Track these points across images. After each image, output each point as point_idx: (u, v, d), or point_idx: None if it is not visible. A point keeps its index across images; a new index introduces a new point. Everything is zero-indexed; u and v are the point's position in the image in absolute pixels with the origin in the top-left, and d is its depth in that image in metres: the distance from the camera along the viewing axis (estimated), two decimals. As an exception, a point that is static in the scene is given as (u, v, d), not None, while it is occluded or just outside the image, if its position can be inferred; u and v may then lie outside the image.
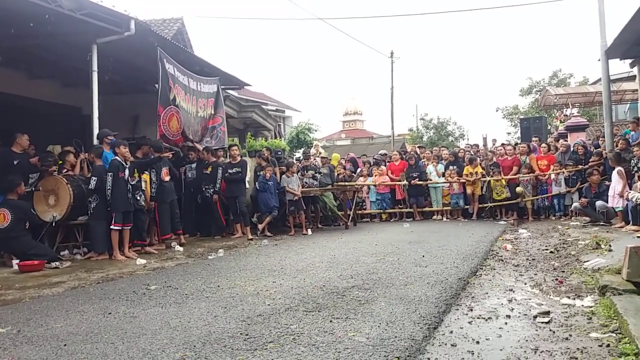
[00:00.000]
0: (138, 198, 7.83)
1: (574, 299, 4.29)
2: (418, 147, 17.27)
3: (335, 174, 12.69)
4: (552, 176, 11.94)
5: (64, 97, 11.16)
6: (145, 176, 8.48)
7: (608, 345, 3.11)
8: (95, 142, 8.12)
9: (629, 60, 12.81)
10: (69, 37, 8.22)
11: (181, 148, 10.56)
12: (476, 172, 12.60)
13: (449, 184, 12.88)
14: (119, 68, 9.84)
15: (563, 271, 5.61)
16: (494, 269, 5.87)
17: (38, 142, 8.69)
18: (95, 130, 8.17)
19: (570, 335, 3.35)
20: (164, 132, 9.23)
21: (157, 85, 9.33)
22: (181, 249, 8.35)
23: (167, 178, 8.79)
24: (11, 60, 9.14)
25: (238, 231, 10.05)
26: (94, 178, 7.54)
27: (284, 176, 10.99)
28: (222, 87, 11.81)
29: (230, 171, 9.98)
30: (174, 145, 9.88)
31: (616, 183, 9.20)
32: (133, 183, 7.75)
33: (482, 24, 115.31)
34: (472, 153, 13.78)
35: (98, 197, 7.55)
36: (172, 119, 9.33)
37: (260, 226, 10.33)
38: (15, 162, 7.67)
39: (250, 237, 9.75)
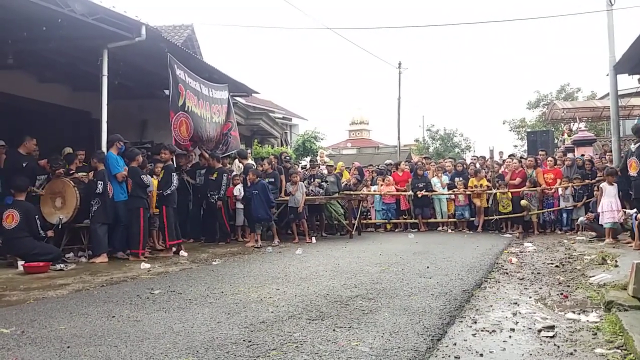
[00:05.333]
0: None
1: (579, 314, 4.26)
2: (423, 158, 17.25)
3: (342, 182, 12.69)
4: (560, 190, 11.89)
5: (74, 101, 11.26)
6: (154, 180, 8.52)
7: (613, 362, 3.09)
8: (104, 145, 8.17)
9: (637, 76, 12.81)
10: (81, 41, 8.30)
11: (198, 154, 10.66)
12: (481, 185, 12.58)
13: (453, 195, 12.85)
14: (128, 73, 9.92)
15: (568, 286, 5.57)
16: (499, 282, 5.84)
17: (47, 146, 8.77)
18: (104, 134, 8.23)
19: (575, 351, 3.32)
20: (176, 137, 9.30)
21: (166, 91, 9.41)
22: (185, 254, 8.35)
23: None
24: (23, 63, 9.24)
25: (251, 239, 10.02)
26: (100, 182, 7.59)
27: (288, 184, 10.99)
28: (230, 94, 11.88)
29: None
30: (185, 150, 9.95)
31: (611, 198, 9.21)
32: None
33: (490, 37, 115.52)
34: (479, 165, 13.74)
35: (100, 200, 7.60)
36: (182, 125, 9.39)
37: (249, 243, 9.76)
38: (24, 164, 7.77)
39: (252, 243, 9.74)
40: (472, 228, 12.76)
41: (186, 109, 9.38)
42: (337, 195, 11.98)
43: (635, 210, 8.38)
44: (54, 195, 7.77)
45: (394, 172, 14.00)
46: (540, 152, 14.47)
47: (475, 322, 4.03)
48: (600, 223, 9.48)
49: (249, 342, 3.45)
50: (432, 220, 13.20)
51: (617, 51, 11.71)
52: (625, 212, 8.58)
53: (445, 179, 13.26)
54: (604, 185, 9.56)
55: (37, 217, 7.23)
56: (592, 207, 10.51)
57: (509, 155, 15.17)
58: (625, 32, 12.81)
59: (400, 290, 5.19)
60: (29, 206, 7.21)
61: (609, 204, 9.20)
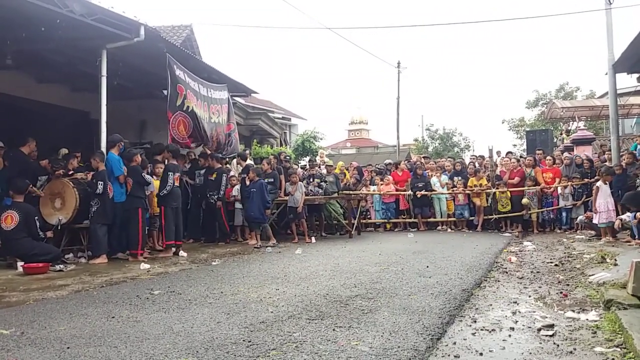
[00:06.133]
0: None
1: (579, 312, 4.27)
2: (423, 157, 17.26)
3: (341, 182, 12.70)
4: (559, 189, 11.90)
5: (73, 102, 11.25)
6: (155, 182, 8.52)
7: (613, 360, 3.09)
8: (104, 145, 8.16)
9: (636, 75, 12.82)
10: (79, 42, 8.30)
11: (197, 154, 10.65)
12: (480, 184, 12.58)
13: (453, 195, 12.86)
14: (127, 73, 9.91)
15: (568, 284, 5.58)
16: (498, 281, 5.85)
17: (46, 146, 8.76)
18: (103, 135, 8.22)
19: (575, 349, 3.32)
20: (174, 136, 9.30)
21: (165, 91, 9.39)
22: (185, 254, 8.34)
23: (177, 183, 8.68)
24: (22, 63, 9.22)
25: (252, 238, 10.03)
26: (100, 182, 7.58)
27: (287, 184, 10.99)
28: (229, 94, 11.88)
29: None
30: (186, 147, 9.95)
31: (607, 198, 9.22)
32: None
33: (489, 36, 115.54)
34: (478, 164, 13.74)
35: (99, 201, 7.59)
36: (180, 125, 9.37)
37: (251, 241, 9.89)
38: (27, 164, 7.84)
39: (254, 241, 9.75)
40: (471, 227, 12.76)
41: (185, 108, 9.35)
42: (336, 195, 11.98)
43: (628, 214, 8.41)
44: (54, 196, 7.76)
45: (393, 171, 14.01)
46: (537, 152, 14.48)
47: (475, 321, 4.03)
48: (594, 222, 9.50)
49: (249, 342, 3.45)
50: (432, 219, 13.22)
51: (616, 50, 11.74)
52: (621, 219, 8.59)
53: (445, 178, 13.27)
54: (599, 184, 9.57)
55: (36, 218, 7.22)
56: (591, 206, 10.52)
57: (507, 153, 15.12)
58: (624, 31, 12.80)
59: (399, 289, 5.19)
60: (28, 208, 7.21)
61: (605, 205, 9.21)
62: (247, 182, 9.89)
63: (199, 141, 10.12)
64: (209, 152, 10.60)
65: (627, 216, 8.46)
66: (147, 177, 8.22)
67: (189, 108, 9.42)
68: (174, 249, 8.47)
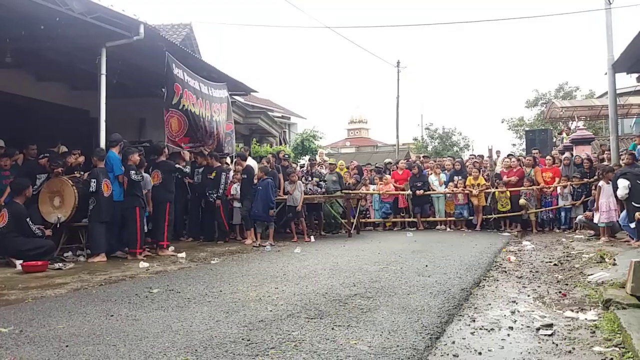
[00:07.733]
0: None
1: (578, 312, 4.27)
2: (422, 156, 17.26)
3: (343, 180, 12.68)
4: (558, 189, 11.92)
5: (72, 100, 11.25)
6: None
7: (611, 360, 3.10)
8: (103, 144, 8.15)
9: (636, 75, 12.83)
10: (79, 40, 8.29)
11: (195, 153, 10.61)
12: (478, 184, 12.59)
13: (452, 194, 12.87)
14: (127, 72, 9.90)
15: (567, 284, 5.59)
16: (497, 280, 5.85)
17: (45, 145, 8.76)
18: (102, 133, 8.20)
19: (573, 349, 3.33)
20: (167, 134, 9.24)
21: (163, 90, 9.37)
22: (184, 253, 8.31)
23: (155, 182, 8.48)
24: (21, 61, 9.21)
25: (249, 237, 10.03)
26: (93, 180, 7.57)
27: (286, 183, 10.98)
28: (229, 92, 11.85)
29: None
30: (177, 146, 9.86)
31: (609, 197, 9.22)
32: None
33: (489, 36, 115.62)
34: (474, 164, 13.71)
35: (95, 199, 7.58)
36: (170, 120, 9.23)
37: (247, 241, 9.87)
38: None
39: (250, 241, 9.74)
40: (470, 227, 12.77)
41: (180, 107, 9.28)
42: (337, 193, 11.96)
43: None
44: (52, 194, 7.75)
45: (394, 170, 14.02)
46: (533, 151, 14.47)
47: (474, 321, 4.04)
48: (595, 222, 9.51)
49: (248, 340, 3.45)
50: (431, 219, 13.22)
51: (615, 50, 11.75)
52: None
53: (443, 176, 13.27)
54: (601, 183, 9.57)
55: (27, 219, 7.11)
56: (590, 206, 10.53)
57: (508, 155, 15.11)
58: (623, 30, 12.83)
59: (398, 288, 5.19)
60: (19, 208, 7.11)
61: (606, 204, 9.22)
62: (255, 181, 9.97)
63: (196, 142, 10.03)
64: (207, 151, 10.55)
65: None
66: (146, 175, 8.20)
67: (184, 107, 9.37)
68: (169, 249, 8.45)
